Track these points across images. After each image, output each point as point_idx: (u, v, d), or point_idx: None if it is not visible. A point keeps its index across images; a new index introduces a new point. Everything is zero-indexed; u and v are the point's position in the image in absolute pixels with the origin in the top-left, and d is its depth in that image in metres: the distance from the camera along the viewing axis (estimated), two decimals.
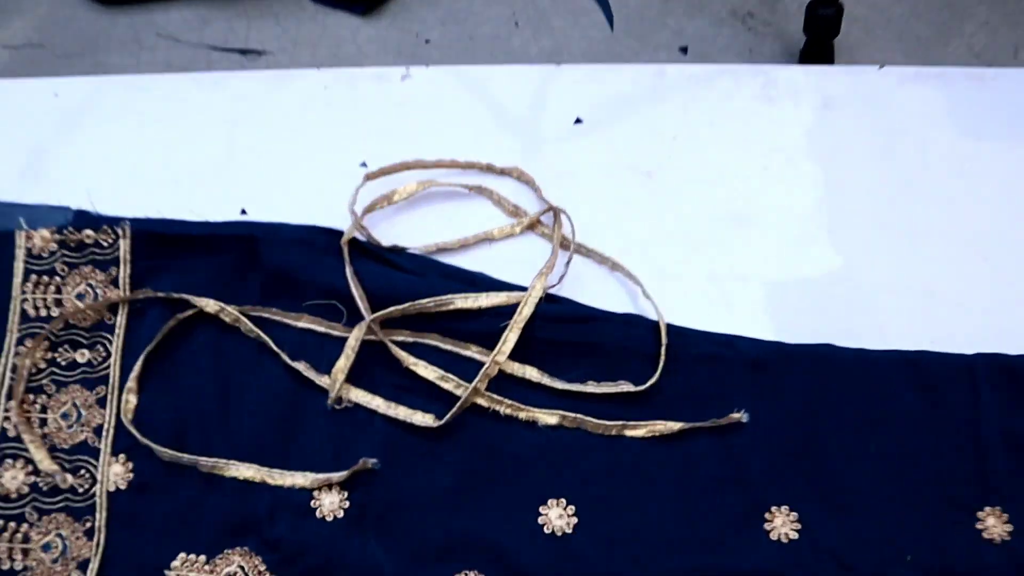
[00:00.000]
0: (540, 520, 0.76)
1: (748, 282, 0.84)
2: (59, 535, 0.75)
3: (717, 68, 0.93)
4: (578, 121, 0.90)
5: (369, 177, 0.84)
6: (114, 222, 0.83)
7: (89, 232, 0.82)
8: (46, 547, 0.75)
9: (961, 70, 0.93)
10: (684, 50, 1.49)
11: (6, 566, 0.74)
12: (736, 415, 0.78)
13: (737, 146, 0.90)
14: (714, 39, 1.51)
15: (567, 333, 0.80)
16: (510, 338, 0.78)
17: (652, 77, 0.92)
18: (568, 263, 0.82)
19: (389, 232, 0.85)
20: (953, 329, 0.81)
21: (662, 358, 0.79)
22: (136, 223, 0.83)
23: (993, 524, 0.75)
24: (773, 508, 0.76)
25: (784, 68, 0.94)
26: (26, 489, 0.76)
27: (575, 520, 0.76)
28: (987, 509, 0.76)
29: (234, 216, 0.86)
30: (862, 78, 0.93)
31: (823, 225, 0.87)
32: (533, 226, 0.86)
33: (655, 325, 0.80)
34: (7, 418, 0.77)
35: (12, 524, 0.75)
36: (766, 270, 0.85)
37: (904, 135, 0.90)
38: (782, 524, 0.76)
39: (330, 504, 0.76)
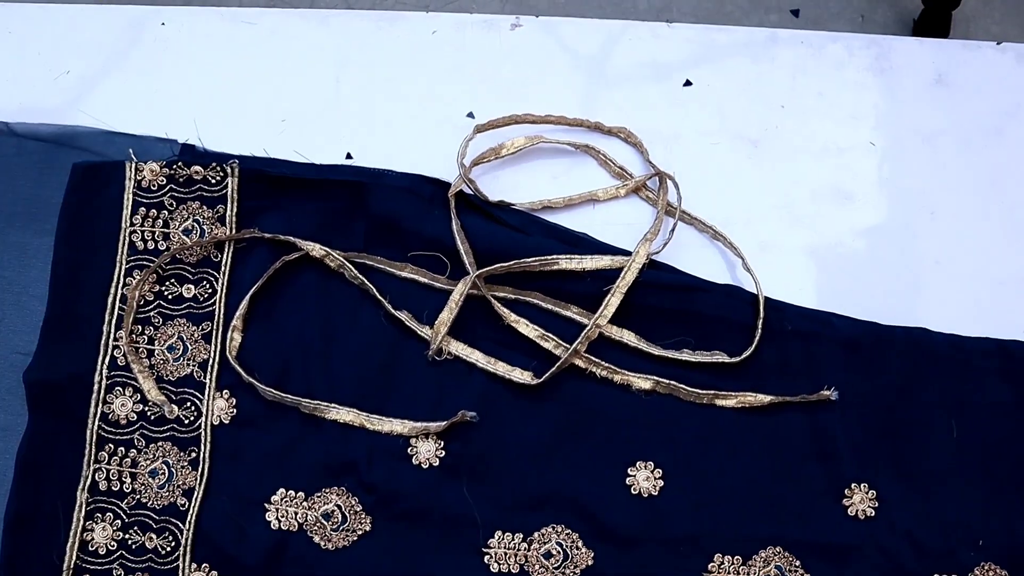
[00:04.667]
0: (628, 480, 0.78)
1: (848, 260, 0.84)
2: (165, 463, 0.78)
3: (829, 35, 0.91)
4: (688, 84, 0.89)
5: (479, 129, 0.84)
6: (223, 159, 0.83)
7: (198, 168, 0.82)
8: (153, 473, 0.78)
9: None
10: (796, 12, 1.45)
11: (115, 487, 0.77)
12: (826, 392, 0.79)
13: (845, 119, 0.89)
14: (826, 2, 1.46)
15: (667, 300, 0.81)
16: (612, 302, 0.79)
17: (764, 41, 0.91)
18: (672, 230, 0.82)
19: (495, 186, 0.85)
20: None
21: (758, 331, 0.80)
22: (244, 162, 0.83)
23: None
24: (853, 485, 0.78)
25: (898, 40, 0.92)
26: (135, 417, 0.78)
27: (661, 483, 0.78)
28: None
29: (339, 160, 0.86)
30: (978, 54, 0.90)
31: (926, 207, 0.86)
32: (638, 189, 0.86)
33: (754, 298, 0.81)
34: (117, 347, 0.79)
35: (121, 449, 0.78)
36: (867, 249, 0.85)
37: (1019, 117, 0.88)
38: (860, 501, 0.78)
39: (426, 452, 0.78)
